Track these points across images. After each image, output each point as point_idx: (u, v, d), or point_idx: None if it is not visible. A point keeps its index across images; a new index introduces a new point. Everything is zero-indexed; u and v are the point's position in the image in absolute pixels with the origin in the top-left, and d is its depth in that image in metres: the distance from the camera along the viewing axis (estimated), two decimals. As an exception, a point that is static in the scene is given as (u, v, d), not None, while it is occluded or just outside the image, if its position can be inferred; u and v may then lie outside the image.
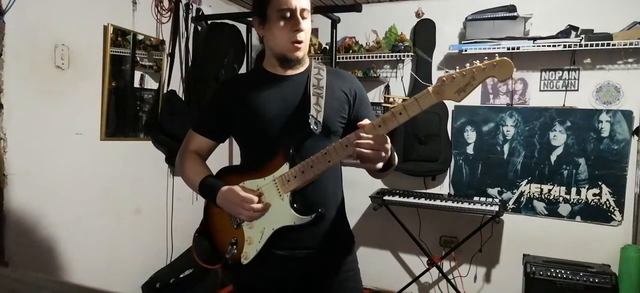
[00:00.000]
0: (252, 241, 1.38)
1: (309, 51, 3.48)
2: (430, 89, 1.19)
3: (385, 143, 1.24)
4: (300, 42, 1.37)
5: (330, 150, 1.29)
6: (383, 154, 1.24)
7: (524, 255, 3.02)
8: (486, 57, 1.18)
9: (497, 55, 1.16)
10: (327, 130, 1.39)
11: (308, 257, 1.42)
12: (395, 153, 1.39)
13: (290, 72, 1.44)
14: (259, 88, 1.42)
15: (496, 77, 1.15)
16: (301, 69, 1.45)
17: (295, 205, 1.34)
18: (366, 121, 1.25)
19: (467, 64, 1.17)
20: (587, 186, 3.00)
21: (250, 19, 3.26)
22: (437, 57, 3.33)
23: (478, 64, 1.15)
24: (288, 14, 1.33)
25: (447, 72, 1.19)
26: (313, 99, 1.38)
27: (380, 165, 1.27)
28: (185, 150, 1.51)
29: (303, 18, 1.35)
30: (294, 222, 1.34)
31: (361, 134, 1.23)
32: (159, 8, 2.88)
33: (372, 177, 1.50)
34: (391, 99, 3.30)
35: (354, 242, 1.56)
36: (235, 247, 1.39)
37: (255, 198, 1.33)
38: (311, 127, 1.34)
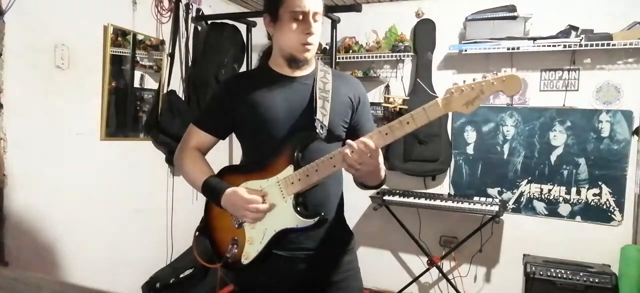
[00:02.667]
0: (253, 241, 1.37)
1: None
2: (438, 100, 1.20)
3: (373, 157, 1.25)
4: (310, 45, 1.37)
5: (336, 155, 1.28)
6: (367, 166, 1.26)
7: (524, 255, 3.02)
8: (495, 72, 1.19)
9: (504, 70, 1.18)
10: (331, 135, 1.39)
11: (308, 257, 1.42)
12: (382, 170, 1.41)
13: (297, 73, 1.44)
14: (265, 87, 1.42)
15: (504, 92, 1.16)
16: (308, 71, 1.45)
17: (298, 208, 1.34)
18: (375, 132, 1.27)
19: (476, 77, 1.19)
20: (587, 186, 3.00)
21: (251, 19, 3.27)
22: (437, 57, 3.33)
23: (488, 78, 1.17)
24: (301, 16, 1.33)
25: (455, 83, 1.20)
26: (319, 103, 1.37)
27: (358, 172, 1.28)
28: (185, 145, 1.49)
29: (314, 21, 1.35)
30: (296, 225, 1.34)
31: (353, 146, 1.24)
32: (159, 8, 2.88)
33: (359, 187, 1.50)
34: (391, 99, 3.30)
35: (353, 241, 1.56)
36: (236, 246, 1.39)
37: (260, 199, 1.33)
38: (317, 130, 1.34)
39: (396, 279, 3.46)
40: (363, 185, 1.46)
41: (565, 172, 3.05)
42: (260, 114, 1.39)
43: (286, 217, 1.34)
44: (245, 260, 1.38)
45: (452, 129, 3.33)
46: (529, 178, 3.14)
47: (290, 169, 1.33)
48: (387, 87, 3.48)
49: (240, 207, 1.33)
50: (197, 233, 1.50)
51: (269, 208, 1.34)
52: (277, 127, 1.38)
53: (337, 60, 3.29)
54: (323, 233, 1.42)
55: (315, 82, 1.42)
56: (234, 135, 1.54)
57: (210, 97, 1.57)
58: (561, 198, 3.07)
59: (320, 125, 1.35)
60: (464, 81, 1.19)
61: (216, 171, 1.48)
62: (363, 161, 1.24)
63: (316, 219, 1.33)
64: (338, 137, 1.43)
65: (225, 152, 3.50)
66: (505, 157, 3.20)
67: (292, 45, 1.37)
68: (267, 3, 1.41)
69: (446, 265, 3.36)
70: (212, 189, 1.39)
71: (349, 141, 1.26)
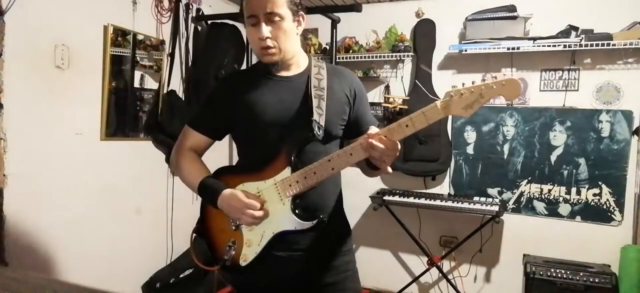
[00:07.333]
0: (251, 243, 1.37)
1: (309, 51, 3.49)
2: (438, 103, 1.18)
3: (397, 147, 1.23)
4: (268, 48, 1.33)
5: (334, 157, 1.28)
6: (396, 154, 1.24)
7: (524, 255, 3.02)
8: (494, 76, 1.18)
9: (502, 72, 1.17)
10: (328, 135, 1.38)
11: (306, 257, 1.41)
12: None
13: (290, 72, 1.42)
14: (260, 87, 1.40)
15: (504, 96, 1.16)
16: (301, 69, 1.44)
17: (296, 211, 1.33)
18: (373, 129, 1.25)
19: (475, 81, 1.18)
20: (587, 186, 3.00)
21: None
22: (437, 57, 3.33)
23: (487, 82, 1.16)
24: (254, 21, 1.32)
25: (454, 86, 1.19)
26: (315, 102, 1.36)
27: (389, 169, 1.26)
28: (181, 147, 1.48)
29: (272, 22, 1.30)
30: (295, 227, 1.33)
31: (375, 136, 1.22)
32: (159, 8, 2.88)
33: (366, 174, 1.47)
34: (391, 99, 3.30)
35: (351, 240, 1.55)
36: (233, 248, 1.38)
37: (258, 205, 1.31)
38: (314, 131, 1.33)
39: (396, 279, 3.46)
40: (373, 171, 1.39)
41: (565, 172, 3.05)
42: (255, 114, 1.37)
43: (284, 219, 1.33)
44: (243, 262, 1.37)
45: (452, 129, 3.33)
46: (529, 178, 3.14)
47: (287, 171, 1.32)
48: (387, 87, 3.49)
49: (238, 210, 1.32)
50: (193, 235, 1.49)
51: (266, 215, 1.33)
52: (273, 128, 1.36)
53: (337, 60, 3.29)
54: (322, 234, 1.41)
55: (309, 80, 1.40)
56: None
57: (205, 98, 1.56)
58: (561, 198, 3.07)
59: (317, 126, 1.33)
60: (464, 84, 1.17)
61: (213, 172, 1.46)
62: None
63: (314, 222, 1.32)
64: (335, 137, 1.42)
65: (225, 153, 3.50)
66: (505, 157, 3.20)
67: (256, 50, 1.37)
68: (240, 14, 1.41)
69: (446, 265, 3.36)
70: (209, 189, 1.38)
71: (370, 140, 1.22)
